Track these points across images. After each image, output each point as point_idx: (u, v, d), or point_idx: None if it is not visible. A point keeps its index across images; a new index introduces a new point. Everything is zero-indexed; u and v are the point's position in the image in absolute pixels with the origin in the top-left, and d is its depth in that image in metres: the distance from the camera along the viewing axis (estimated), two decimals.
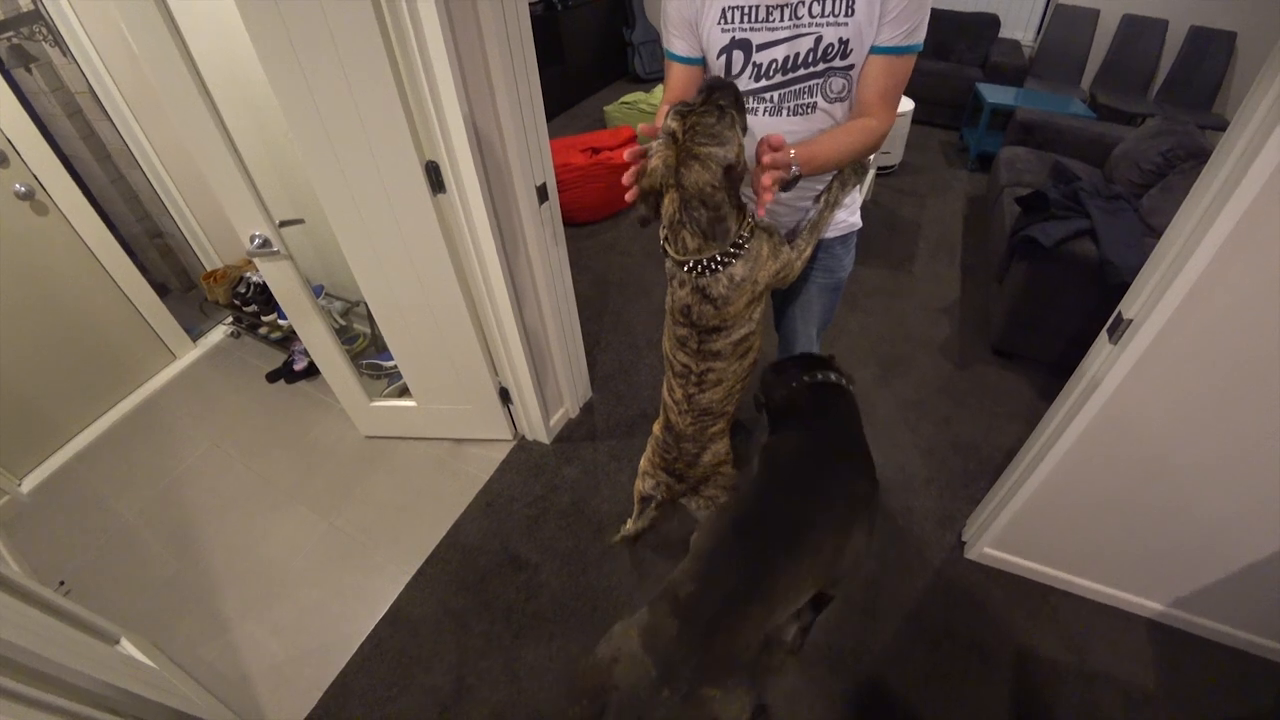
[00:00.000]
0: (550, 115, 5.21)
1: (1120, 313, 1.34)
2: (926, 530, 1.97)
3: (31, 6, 2.40)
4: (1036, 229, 2.31)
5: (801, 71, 1.16)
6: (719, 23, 1.16)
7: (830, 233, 1.42)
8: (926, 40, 1.12)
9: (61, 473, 2.42)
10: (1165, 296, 1.18)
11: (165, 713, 1.38)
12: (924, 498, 2.07)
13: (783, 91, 1.19)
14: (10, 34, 2.55)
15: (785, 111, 1.21)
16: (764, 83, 1.19)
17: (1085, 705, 1.58)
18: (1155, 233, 2.32)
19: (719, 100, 1.07)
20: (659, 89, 4.53)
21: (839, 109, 1.21)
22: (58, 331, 2.48)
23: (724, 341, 1.28)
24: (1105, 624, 1.73)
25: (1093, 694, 1.60)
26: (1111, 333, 1.36)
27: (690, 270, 1.18)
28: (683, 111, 1.07)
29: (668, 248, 1.21)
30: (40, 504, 2.30)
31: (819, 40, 1.11)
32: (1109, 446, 1.43)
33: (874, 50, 1.13)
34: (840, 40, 1.10)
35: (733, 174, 1.09)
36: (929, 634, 1.71)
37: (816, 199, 1.35)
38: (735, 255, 1.17)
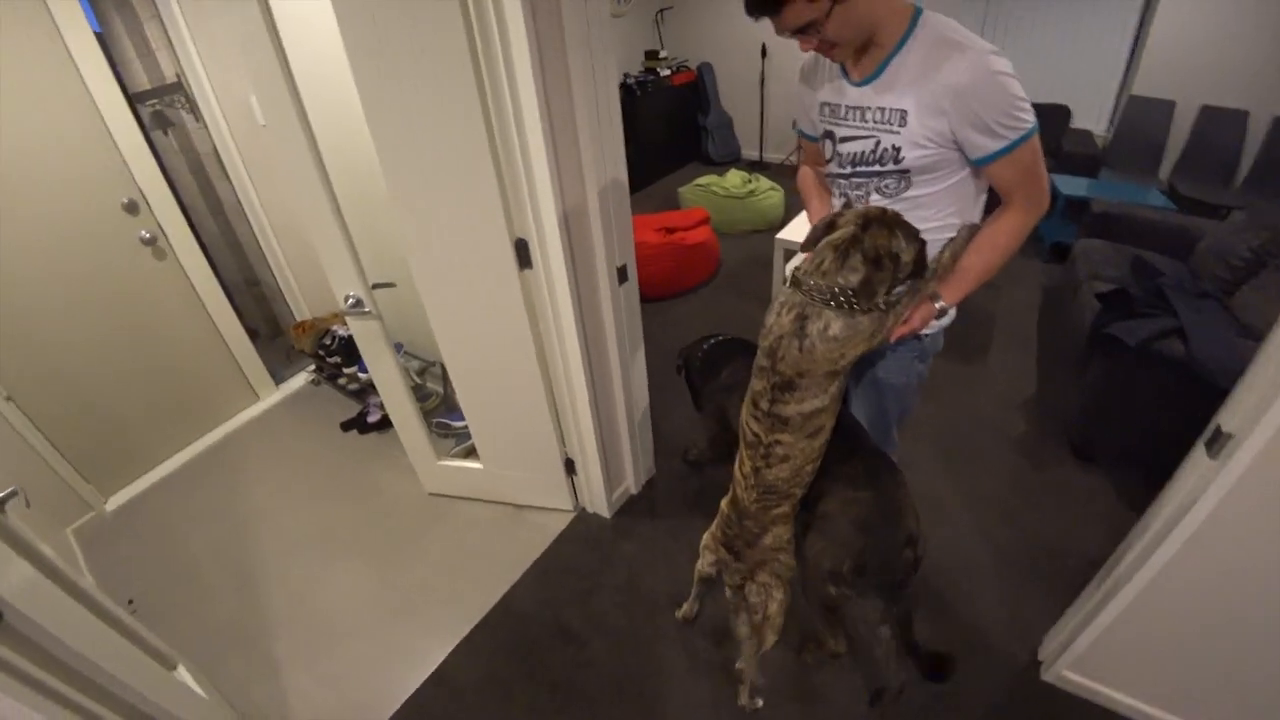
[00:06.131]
0: None
1: (1220, 426, 1.27)
2: (996, 640, 1.84)
3: (175, 79, 2.71)
4: (1119, 327, 2.23)
5: (863, 168, 1.31)
6: (819, 113, 1.39)
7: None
8: None
9: (142, 497, 2.57)
10: (1271, 410, 1.11)
11: None
12: (992, 602, 1.95)
13: (853, 180, 1.36)
14: (155, 101, 2.88)
15: (849, 197, 1.39)
16: (842, 170, 1.36)
17: None
18: (1250, 332, 2.21)
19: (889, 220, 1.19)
20: (731, 172, 4.75)
21: (894, 205, 1.29)
22: (158, 364, 2.69)
23: (795, 407, 1.26)
24: None
25: None
26: (1210, 447, 1.28)
27: (808, 290, 1.19)
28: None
29: (801, 264, 1.24)
30: (120, 524, 2.44)
31: (878, 143, 1.26)
32: (1207, 571, 1.33)
33: (982, 161, 1.19)
34: (894, 147, 1.23)
35: (899, 265, 1.18)
36: None
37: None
38: (849, 309, 1.17)
